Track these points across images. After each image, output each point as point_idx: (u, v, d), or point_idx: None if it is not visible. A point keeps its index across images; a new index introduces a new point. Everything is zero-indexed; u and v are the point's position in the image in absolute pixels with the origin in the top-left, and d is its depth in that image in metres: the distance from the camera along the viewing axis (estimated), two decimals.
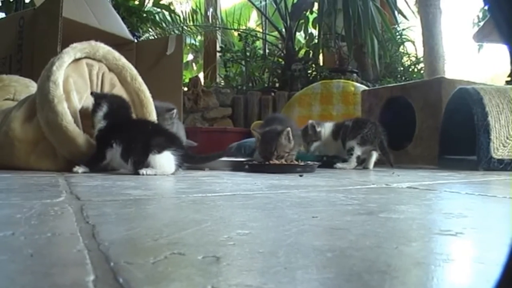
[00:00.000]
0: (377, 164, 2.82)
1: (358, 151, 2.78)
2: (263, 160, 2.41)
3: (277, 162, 2.34)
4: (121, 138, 1.98)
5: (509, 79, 4.57)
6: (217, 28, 7.45)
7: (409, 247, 0.63)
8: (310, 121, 2.94)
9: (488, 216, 1.01)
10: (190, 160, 2.07)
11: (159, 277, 0.46)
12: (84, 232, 0.67)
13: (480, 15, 6.69)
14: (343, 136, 2.86)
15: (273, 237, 0.68)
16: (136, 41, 4.38)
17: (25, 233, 0.66)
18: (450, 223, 0.84)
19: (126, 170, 1.98)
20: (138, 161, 1.92)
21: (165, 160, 1.93)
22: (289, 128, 2.43)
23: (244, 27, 7.60)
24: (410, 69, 6.01)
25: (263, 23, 7.67)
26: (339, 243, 0.63)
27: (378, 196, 1.30)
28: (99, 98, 2.11)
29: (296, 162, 2.39)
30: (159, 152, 1.92)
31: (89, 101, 2.21)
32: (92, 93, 2.15)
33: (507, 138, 2.58)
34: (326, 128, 2.95)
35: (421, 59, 5.75)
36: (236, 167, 2.46)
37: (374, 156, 2.81)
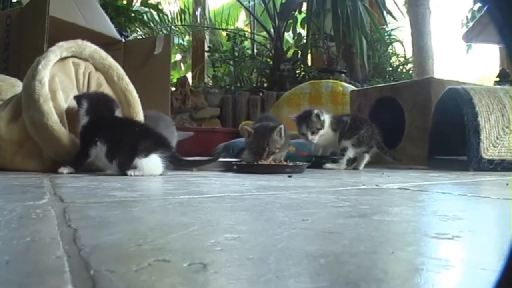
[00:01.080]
0: (366, 164, 2.80)
1: (351, 153, 2.75)
2: (251, 160, 2.39)
3: (265, 162, 2.32)
4: (106, 137, 1.94)
5: (498, 79, 4.57)
6: (206, 28, 7.44)
7: (405, 252, 0.61)
8: (315, 110, 2.82)
9: (484, 218, 0.99)
10: (178, 163, 2.04)
11: (141, 287, 0.44)
12: (65, 236, 0.64)
13: (469, 16, 6.69)
14: (341, 132, 2.81)
15: (263, 242, 0.65)
16: (123, 40, 4.35)
17: (4, 238, 0.63)
18: (446, 226, 0.81)
19: (111, 170, 1.96)
20: (123, 163, 1.90)
21: (152, 163, 1.91)
22: (282, 125, 2.44)
23: (232, 27, 7.59)
24: (399, 69, 6.01)
25: (252, 23, 7.66)
26: (332, 248, 0.61)
27: (370, 197, 1.27)
28: (78, 98, 2.09)
29: (285, 163, 2.37)
30: (146, 155, 1.89)
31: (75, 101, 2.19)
32: (74, 97, 2.12)
33: (497, 138, 2.56)
34: (326, 119, 2.83)
35: (410, 59, 5.75)
36: (225, 168, 2.44)
37: (366, 158, 2.79)
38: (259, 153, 2.36)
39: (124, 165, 1.89)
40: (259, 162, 2.32)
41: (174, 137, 2.64)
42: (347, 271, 0.50)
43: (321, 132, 2.79)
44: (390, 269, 0.52)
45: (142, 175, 1.87)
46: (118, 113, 2.15)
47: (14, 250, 0.58)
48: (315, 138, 2.79)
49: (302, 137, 2.84)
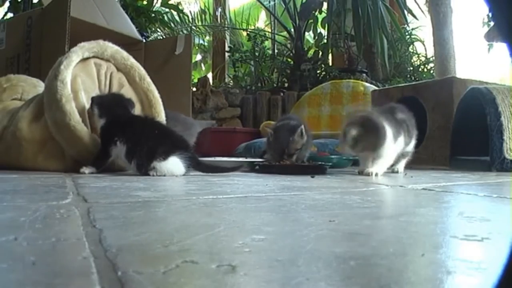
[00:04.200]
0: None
1: None
2: (273, 160, 2.38)
3: (288, 162, 2.31)
4: (125, 137, 1.95)
5: None
6: (226, 28, 7.44)
7: (436, 254, 0.59)
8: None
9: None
10: (198, 167, 2.03)
11: None
12: (90, 237, 0.64)
13: (490, 15, 6.62)
14: (407, 136, 2.32)
15: (290, 243, 0.64)
16: (144, 41, 4.36)
17: (28, 238, 0.63)
18: (474, 228, 0.80)
19: (131, 170, 1.96)
20: (141, 165, 1.90)
21: (171, 165, 1.91)
22: (302, 126, 2.42)
23: (252, 27, 7.59)
24: (420, 69, 5.97)
25: (272, 23, 7.63)
26: (361, 250, 0.60)
27: (395, 198, 1.27)
28: (91, 103, 2.10)
29: (308, 163, 2.36)
30: (165, 158, 1.90)
31: None
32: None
33: None
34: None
35: (431, 58, 5.72)
36: (247, 168, 2.43)
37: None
38: (280, 154, 2.34)
39: (142, 167, 1.90)
40: (282, 162, 2.31)
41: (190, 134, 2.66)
42: (378, 274, 0.49)
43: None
44: (422, 272, 0.51)
45: (164, 175, 1.87)
46: (133, 112, 2.15)
47: (40, 250, 0.57)
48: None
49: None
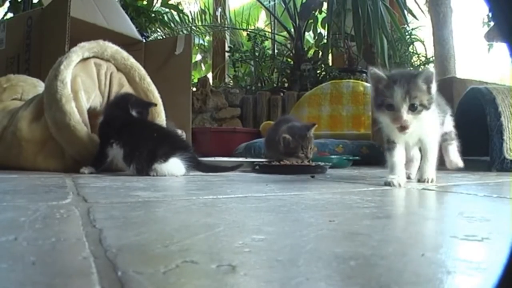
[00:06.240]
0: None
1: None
2: (272, 160, 2.38)
3: (288, 162, 2.31)
4: (122, 140, 1.94)
5: None
6: (226, 28, 7.43)
7: (436, 254, 0.59)
8: (430, 70, 1.63)
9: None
10: (199, 167, 2.03)
11: None
12: (90, 237, 0.64)
13: (490, 15, 6.59)
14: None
15: (290, 243, 0.64)
16: (144, 41, 4.35)
17: (28, 238, 0.63)
18: (473, 227, 0.80)
19: (131, 172, 1.95)
20: (141, 168, 1.90)
21: (172, 167, 1.91)
22: (316, 124, 2.48)
23: (252, 27, 7.57)
24: (420, 69, 5.96)
25: (272, 23, 7.62)
26: (361, 249, 0.60)
27: (395, 198, 1.26)
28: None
29: (308, 163, 2.35)
30: (165, 160, 1.89)
31: (97, 101, 2.19)
32: None
33: None
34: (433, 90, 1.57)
35: (431, 59, 5.71)
36: (247, 168, 2.43)
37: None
38: (304, 153, 2.35)
39: (143, 170, 1.90)
40: (281, 162, 2.30)
41: None
42: (378, 274, 0.49)
43: (425, 114, 1.54)
44: (422, 272, 0.51)
45: (164, 175, 1.87)
46: (135, 113, 2.12)
47: (40, 250, 0.57)
48: (411, 121, 1.51)
49: (383, 113, 1.56)
